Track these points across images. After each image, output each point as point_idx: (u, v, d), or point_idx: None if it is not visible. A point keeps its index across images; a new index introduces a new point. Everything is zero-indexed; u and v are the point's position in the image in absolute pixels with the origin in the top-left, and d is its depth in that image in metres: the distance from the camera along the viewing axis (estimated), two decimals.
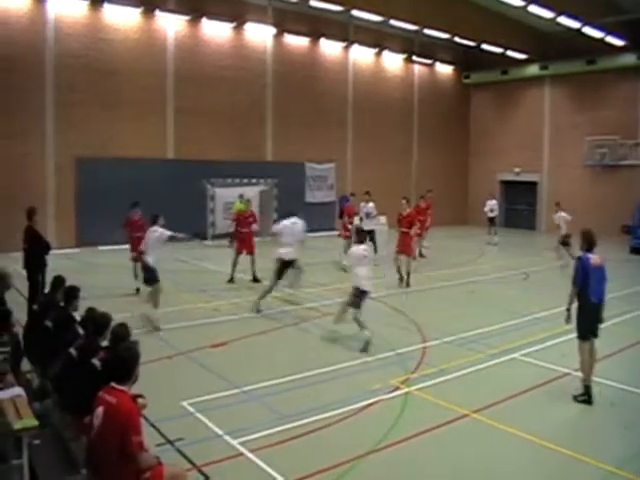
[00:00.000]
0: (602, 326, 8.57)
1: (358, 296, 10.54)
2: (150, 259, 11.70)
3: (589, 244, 8.45)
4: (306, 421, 7.30)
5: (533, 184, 33.21)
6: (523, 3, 23.42)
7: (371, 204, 20.15)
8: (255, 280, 16.10)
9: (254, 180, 25.09)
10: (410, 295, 15.37)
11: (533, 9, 24.06)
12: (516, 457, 6.71)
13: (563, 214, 20.18)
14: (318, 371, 9.13)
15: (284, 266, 12.88)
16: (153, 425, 6.81)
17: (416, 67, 33.40)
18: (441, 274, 18.10)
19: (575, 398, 8.28)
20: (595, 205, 28.97)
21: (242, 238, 16.47)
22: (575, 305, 8.38)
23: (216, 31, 25.34)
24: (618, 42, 27.67)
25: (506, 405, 8.03)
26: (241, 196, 22.70)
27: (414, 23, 27.18)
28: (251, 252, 16.22)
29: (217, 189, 24.36)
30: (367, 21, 27.62)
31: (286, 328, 11.85)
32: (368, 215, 19.95)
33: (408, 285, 16.03)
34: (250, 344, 10.80)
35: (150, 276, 11.70)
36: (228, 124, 25.59)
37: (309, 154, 28.35)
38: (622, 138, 29.26)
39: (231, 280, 16.10)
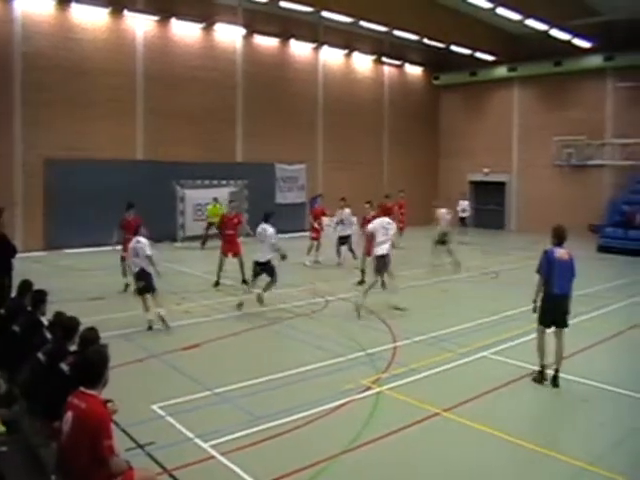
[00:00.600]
0: (572, 322, 8.94)
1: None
2: (144, 266, 11.71)
3: (559, 239, 8.93)
4: (279, 422, 7.30)
5: (502, 184, 33.58)
6: (491, 5, 23.68)
7: (347, 210, 20.00)
8: (244, 282, 15.83)
9: (224, 181, 25.00)
10: (381, 295, 15.40)
11: (501, 11, 24.35)
12: (488, 454, 6.77)
13: (443, 210, 20.05)
14: (290, 372, 9.13)
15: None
16: (123, 430, 6.75)
17: (386, 68, 33.60)
18: (413, 274, 18.20)
19: (533, 379, 8.85)
20: (563, 204, 29.36)
21: (227, 240, 16.33)
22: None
23: (186, 31, 25.20)
24: (585, 44, 28.12)
25: (477, 403, 8.11)
26: (215, 199, 22.70)
27: (384, 24, 27.32)
28: (237, 254, 16.11)
29: (187, 190, 24.23)
30: (337, 22, 27.66)
31: (258, 329, 11.83)
32: (342, 222, 19.79)
33: (384, 287, 15.93)
34: (222, 346, 10.77)
35: (147, 283, 11.69)
36: (198, 125, 25.45)
37: (280, 155, 28.30)
38: (589, 138, 29.75)
39: (217, 284, 15.93)
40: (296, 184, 29.10)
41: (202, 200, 24.26)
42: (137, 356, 9.78)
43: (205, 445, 6.69)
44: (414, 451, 6.80)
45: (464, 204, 27.33)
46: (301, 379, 8.93)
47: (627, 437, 7.24)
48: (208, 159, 25.33)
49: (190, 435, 6.93)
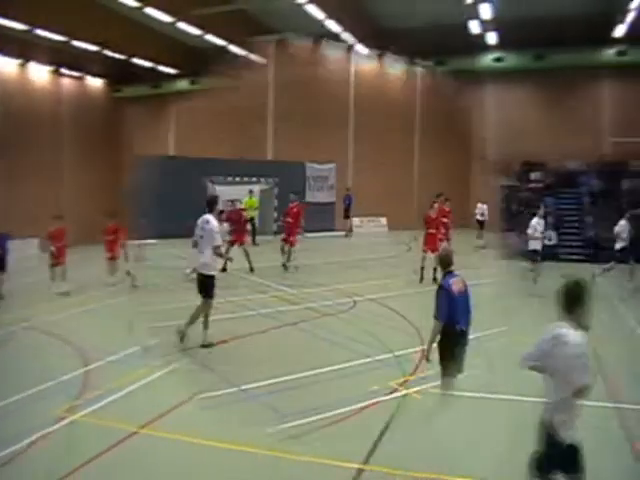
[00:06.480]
0: None
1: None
2: None
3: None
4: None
5: None
6: (172, 20, 24.15)
7: None
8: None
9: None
10: (75, 316, 14.17)
11: (183, 26, 25.06)
12: (197, 464, 6.58)
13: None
14: (317, 371, 9.16)
15: None
16: None
17: (65, 80, 32.08)
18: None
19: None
20: None
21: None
22: None
23: None
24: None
25: (175, 414, 7.69)
26: (251, 192, 24.22)
27: (60, 33, 26.11)
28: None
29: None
30: (9, 29, 25.34)
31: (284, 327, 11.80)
32: None
33: None
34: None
35: None
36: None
37: None
38: None
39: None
40: None
41: (236, 195, 23.36)
42: None
43: None
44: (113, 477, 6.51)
45: (483, 207, 25.93)
46: (328, 379, 8.98)
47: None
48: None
49: None
